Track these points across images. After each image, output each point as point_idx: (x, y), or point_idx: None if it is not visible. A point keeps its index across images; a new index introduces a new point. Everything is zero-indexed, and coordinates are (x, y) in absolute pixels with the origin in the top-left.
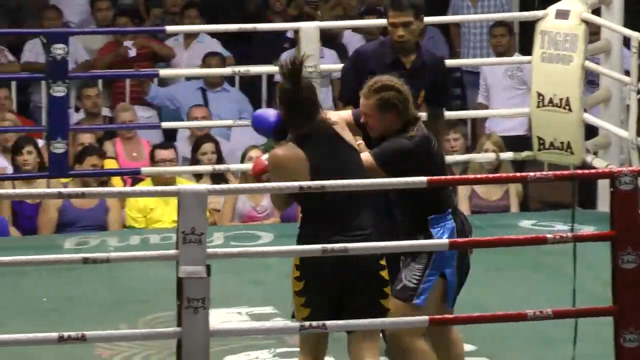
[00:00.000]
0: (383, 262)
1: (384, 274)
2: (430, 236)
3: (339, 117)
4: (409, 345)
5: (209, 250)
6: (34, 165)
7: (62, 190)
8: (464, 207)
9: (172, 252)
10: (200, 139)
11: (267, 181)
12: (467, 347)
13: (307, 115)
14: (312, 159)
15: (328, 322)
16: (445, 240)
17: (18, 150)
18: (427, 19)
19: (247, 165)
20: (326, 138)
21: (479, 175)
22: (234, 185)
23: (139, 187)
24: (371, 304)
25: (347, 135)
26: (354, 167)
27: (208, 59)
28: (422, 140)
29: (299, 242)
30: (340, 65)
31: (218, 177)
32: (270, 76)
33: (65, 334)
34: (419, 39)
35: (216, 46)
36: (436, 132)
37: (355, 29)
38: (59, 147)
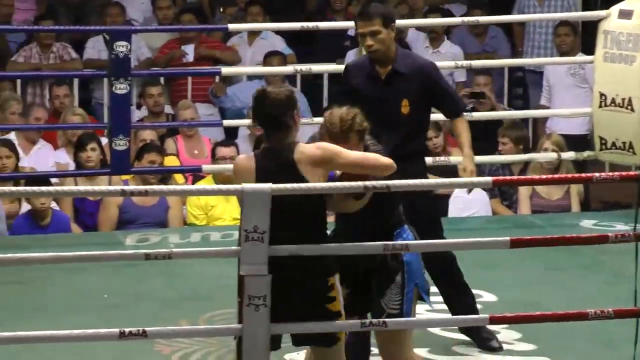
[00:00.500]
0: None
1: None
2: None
3: (322, 149)
4: None
5: (272, 247)
6: (96, 162)
7: (125, 187)
8: (525, 206)
9: (234, 249)
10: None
11: None
12: (527, 347)
13: (269, 131)
14: (258, 172)
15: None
16: (506, 238)
17: (81, 147)
18: (490, 18)
19: None
20: (280, 161)
21: (544, 176)
22: (297, 185)
23: (202, 186)
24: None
25: (311, 172)
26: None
27: (269, 59)
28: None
29: None
30: None
31: None
32: (332, 75)
33: (127, 329)
34: (392, 47)
35: (279, 43)
36: (456, 134)
37: (419, 28)
38: (120, 144)
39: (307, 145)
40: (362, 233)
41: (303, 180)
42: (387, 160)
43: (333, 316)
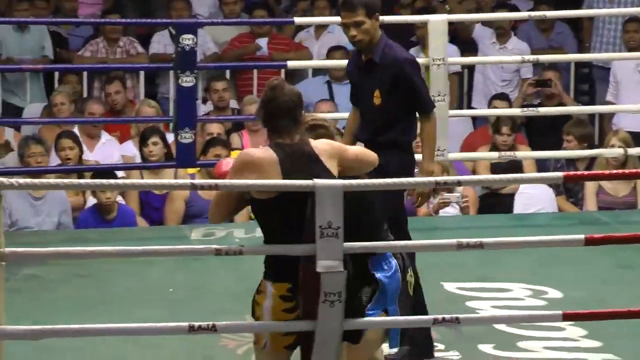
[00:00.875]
0: None
1: None
2: (372, 278)
3: (329, 143)
4: None
5: (346, 244)
6: (160, 156)
7: (195, 181)
8: (591, 203)
9: (308, 246)
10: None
11: None
12: (593, 343)
13: (283, 124)
14: (283, 164)
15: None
16: (581, 236)
17: (144, 141)
18: (557, 13)
19: None
20: (302, 153)
21: (614, 171)
22: (370, 180)
23: (271, 181)
24: None
25: (331, 164)
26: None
27: (332, 53)
28: None
29: None
30: (463, 59)
31: None
32: None
33: (196, 324)
34: (375, 37)
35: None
36: (421, 139)
37: (486, 23)
38: (186, 137)
39: (314, 142)
40: None
41: (330, 172)
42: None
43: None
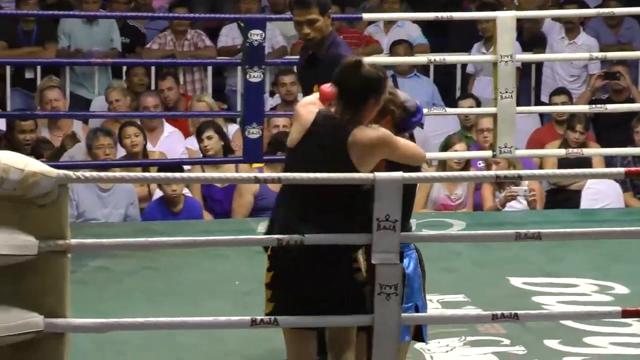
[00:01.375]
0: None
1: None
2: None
3: (380, 130)
4: None
5: (402, 234)
6: (216, 150)
7: (259, 175)
8: None
9: (367, 235)
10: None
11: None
12: None
13: (344, 100)
14: (307, 134)
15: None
16: None
17: (199, 136)
18: (625, 10)
19: (443, 154)
20: (335, 134)
21: None
22: (430, 173)
23: (336, 174)
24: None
25: (359, 157)
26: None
27: (396, 47)
28: None
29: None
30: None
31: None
32: (464, 65)
33: (258, 318)
34: (326, 34)
35: (415, 32)
36: None
37: (555, 19)
38: (253, 132)
39: (366, 128)
40: None
41: (349, 163)
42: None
43: (359, 285)
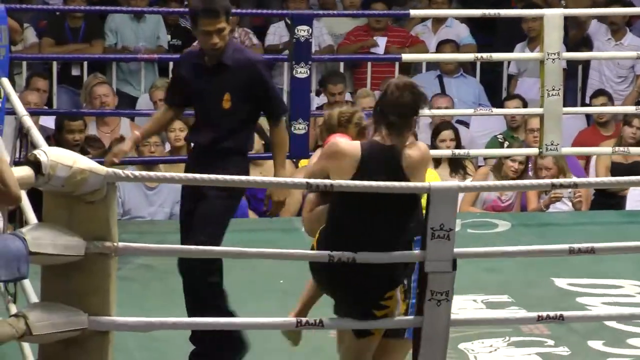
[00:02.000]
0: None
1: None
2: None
3: (422, 156)
4: None
5: (457, 250)
6: (257, 149)
7: (311, 180)
8: None
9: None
10: (439, 125)
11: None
12: None
13: (392, 124)
14: (362, 163)
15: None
16: None
17: None
18: None
19: (488, 151)
20: (386, 157)
21: None
22: (485, 182)
23: (385, 183)
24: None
25: (414, 174)
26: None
27: (442, 46)
28: None
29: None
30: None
31: (456, 164)
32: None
33: (304, 319)
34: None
35: (464, 31)
36: (272, 144)
37: (601, 19)
38: (300, 129)
39: (409, 146)
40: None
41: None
42: None
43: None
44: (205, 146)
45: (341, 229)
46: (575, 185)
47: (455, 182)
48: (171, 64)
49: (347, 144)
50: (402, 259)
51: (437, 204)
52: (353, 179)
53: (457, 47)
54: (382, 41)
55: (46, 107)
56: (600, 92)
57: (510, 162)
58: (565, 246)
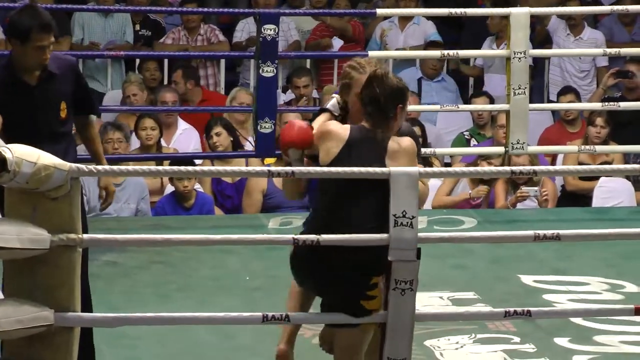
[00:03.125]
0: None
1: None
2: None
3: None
4: None
5: (421, 234)
6: (225, 146)
7: (272, 168)
8: None
9: (383, 236)
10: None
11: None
12: None
13: (373, 113)
14: (347, 144)
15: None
16: None
17: (207, 132)
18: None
19: (453, 150)
20: (370, 142)
21: None
22: (447, 168)
23: (350, 168)
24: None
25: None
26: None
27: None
28: None
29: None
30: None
31: (423, 160)
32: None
33: (270, 314)
34: None
35: (431, 29)
36: (92, 140)
37: (561, 16)
38: (266, 127)
39: (397, 139)
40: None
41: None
42: None
43: (364, 313)
44: None
45: (316, 213)
46: (534, 173)
47: (415, 168)
48: (137, 60)
49: (337, 127)
50: (366, 243)
51: (398, 191)
52: (335, 160)
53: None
54: (337, 42)
55: None
56: (567, 90)
57: (485, 163)
58: (530, 232)
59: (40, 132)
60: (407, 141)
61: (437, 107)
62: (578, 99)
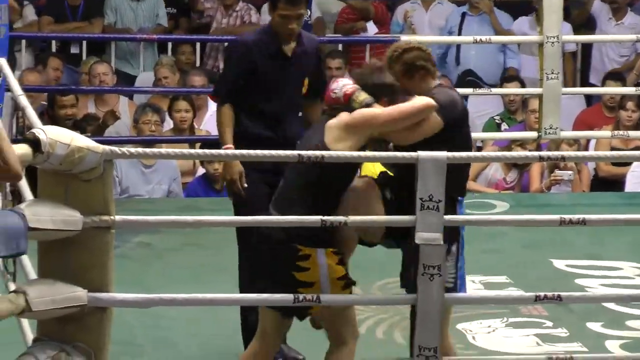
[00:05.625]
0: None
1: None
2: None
3: (351, 115)
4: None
5: (447, 217)
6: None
7: (302, 152)
8: None
9: (408, 218)
10: None
11: None
12: None
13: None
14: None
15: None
16: None
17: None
18: None
19: (485, 134)
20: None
21: None
22: (477, 153)
23: (377, 152)
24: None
25: (333, 141)
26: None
27: None
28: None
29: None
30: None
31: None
32: None
33: (300, 295)
34: None
35: (452, 8)
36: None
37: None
38: None
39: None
40: None
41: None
42: (422, 101)
43: (298, 285)
44: (293, 139)
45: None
46: (563, 159)
47: (443, 152)
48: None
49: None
50: (392, 223)
51: (425, 175)
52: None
53: None
54: (371, 26)
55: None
56: (613, 75)
57: (519, 148)
58: (556, 216)
59: (285, 104)
60: (344, 115)
61: (470, 90)
62: (624, 85)
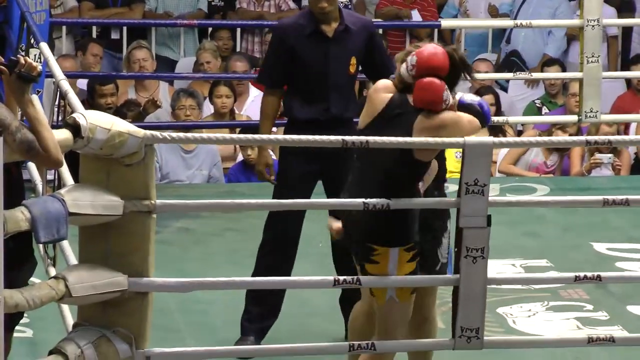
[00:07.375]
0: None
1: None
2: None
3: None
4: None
5: (490, 198)
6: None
7: (347, 138)
8: None
9: (453, 200)
10: (480, 90)
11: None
12: None
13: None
14: (382, 112)
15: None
16: None
17: None
18: None
19: (525, 118)
20: (404, 114)
21: None
22: (522, 138)
23: (423, 138)
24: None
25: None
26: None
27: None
28: None
29: None
30: (618, 21)
31: (495, 128)
32: None
33: (341, 278)
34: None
35: None
36: None
37: None
38: None
39: (431, 113)
40: None
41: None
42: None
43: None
44: (331, 120)
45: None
46: (609, 143)
47: (489, 138)
48: (210, 29)
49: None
50: (436, 206)
51: (471, 159)
52: (371, 123)
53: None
54: (415, 13)
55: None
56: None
57: (560, 132)
58: (600, 197)
59: (327, 84)
60: (439, 115)
61: (510, 75)
62: None
